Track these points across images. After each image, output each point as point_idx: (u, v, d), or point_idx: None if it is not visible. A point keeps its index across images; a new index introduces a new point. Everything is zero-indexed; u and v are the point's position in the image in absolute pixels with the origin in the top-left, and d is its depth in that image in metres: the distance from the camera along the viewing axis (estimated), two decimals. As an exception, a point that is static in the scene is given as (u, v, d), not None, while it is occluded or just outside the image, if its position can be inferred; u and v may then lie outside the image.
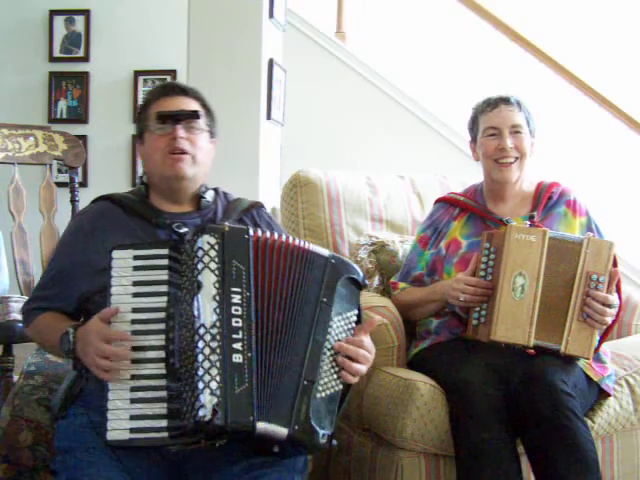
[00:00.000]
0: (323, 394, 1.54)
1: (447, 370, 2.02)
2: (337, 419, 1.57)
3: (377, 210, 2.66)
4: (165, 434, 1.48)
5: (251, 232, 1.58)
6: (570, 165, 4.69)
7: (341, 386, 1.58)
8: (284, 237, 1.61)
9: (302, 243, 1.62)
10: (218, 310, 1.49)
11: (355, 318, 1.64)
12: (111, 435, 1.48)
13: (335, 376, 1.57)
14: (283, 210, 2.65)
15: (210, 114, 1.86)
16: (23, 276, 2.59)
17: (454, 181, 2.81)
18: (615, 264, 2.06)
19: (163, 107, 1.79)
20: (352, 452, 2.18)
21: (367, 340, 1.64)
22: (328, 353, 1.57)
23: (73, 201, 2.75)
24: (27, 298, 1.89)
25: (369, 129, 4.75)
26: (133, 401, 1.49)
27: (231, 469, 1.55)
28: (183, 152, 1.75)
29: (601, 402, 2.11)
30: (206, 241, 1.53)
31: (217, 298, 1.50)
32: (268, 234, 1.61)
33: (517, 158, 2.21)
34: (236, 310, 1.51)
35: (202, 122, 1.81)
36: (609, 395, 2.12)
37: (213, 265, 1.52)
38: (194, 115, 1.78)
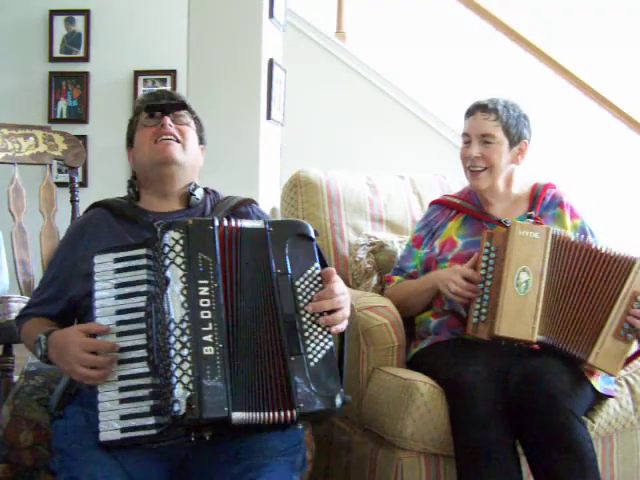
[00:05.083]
0: (316, 359, 1.53)
1: (447, 370, 2.02)
2: (344, 373, 1.57)
3: (377, 210, 2.66)
4: (154, 431, 1.49)
5: (216, 223, 1.58)
6: (570, 165, 4.69)
7: (331, 343, 1.56)
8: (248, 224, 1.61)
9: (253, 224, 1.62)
10: (186, 304, 1.49)
11: (318, 271, 1.61)
12: (103, 436, 1.49)
13: (321, 336, 1.55)
14: (283, 210, 2.64)
15: (198, 122, 1.92)
16: (23, 276, 2.58)
17: (454, 181, 2.80)
18: None
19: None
20: (352, 452, 2.18)
21: (337, 285, 1.60)
22: (304, 319, 1.55)
23: (73, 201, 2.75)
24: (27, 299, 1.90)
25: (369, 129, 4.75)
26: (122, 401, 1.51)
27: (230, 469, 1.55)
28: (172, 138, 1.79)
29: (601, 402, 2.11)
30: (171, 237, 1.53)
31: (184, 292, 1.50)
32: (234, 223, 1.60)
33: (486, 168, 2.20)
34: (204, 302, 1.50)
35: (189, 117, 1.87)
36: (609, 395, 2.12)
37: (179, 260, 1.52)
38: (181, 105, 1.85)
